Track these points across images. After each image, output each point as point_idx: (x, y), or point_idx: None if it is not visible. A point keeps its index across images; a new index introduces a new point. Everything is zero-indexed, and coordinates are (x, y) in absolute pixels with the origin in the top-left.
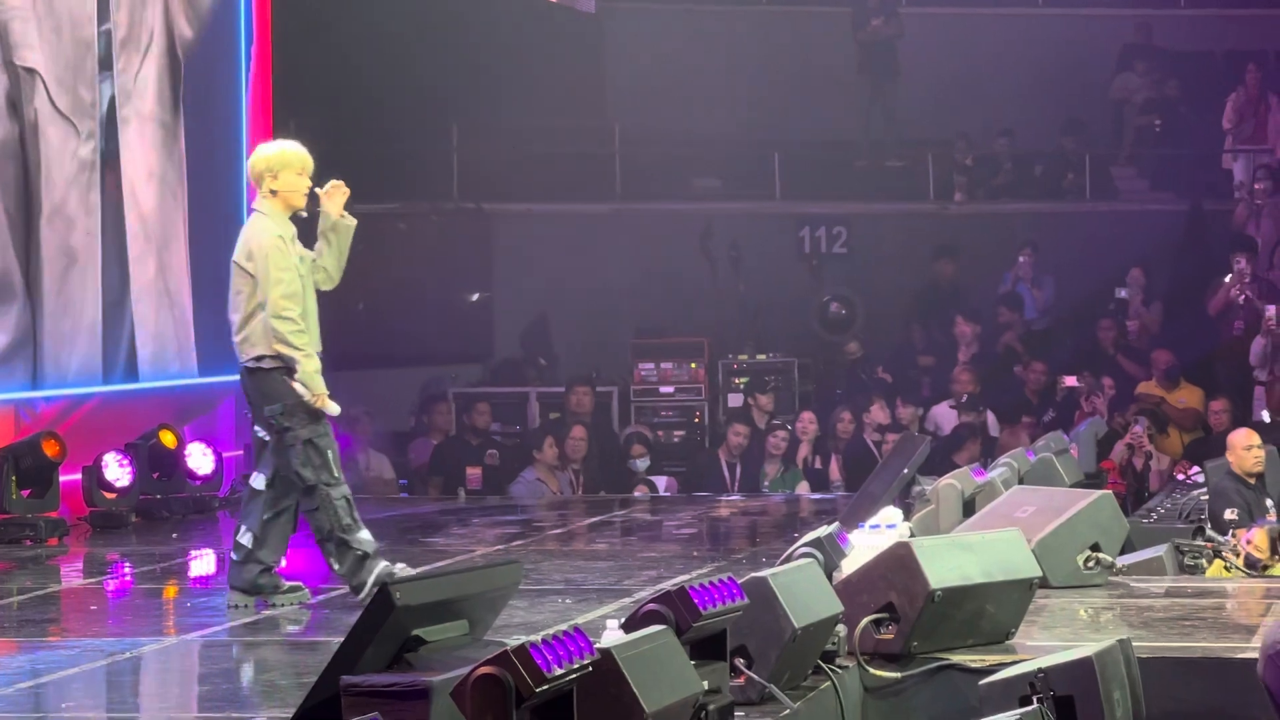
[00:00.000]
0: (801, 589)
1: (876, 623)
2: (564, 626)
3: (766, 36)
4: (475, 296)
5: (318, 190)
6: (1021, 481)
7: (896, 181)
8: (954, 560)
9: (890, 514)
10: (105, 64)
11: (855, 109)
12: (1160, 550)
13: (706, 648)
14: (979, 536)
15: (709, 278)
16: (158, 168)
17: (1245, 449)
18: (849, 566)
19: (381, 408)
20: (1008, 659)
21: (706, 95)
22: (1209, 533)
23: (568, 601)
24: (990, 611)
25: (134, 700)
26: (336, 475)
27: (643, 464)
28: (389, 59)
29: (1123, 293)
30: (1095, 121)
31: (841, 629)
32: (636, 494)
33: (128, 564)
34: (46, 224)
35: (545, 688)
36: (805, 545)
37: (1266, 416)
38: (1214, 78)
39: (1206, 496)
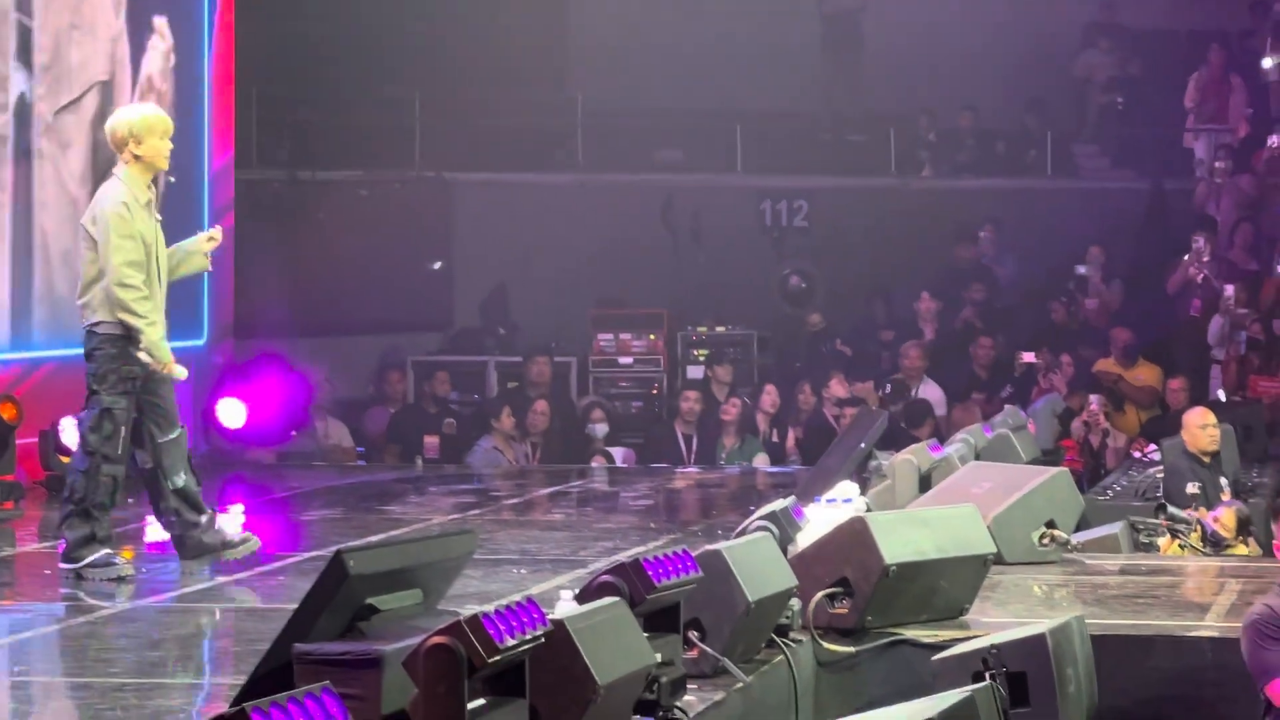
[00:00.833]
0: (756, 562)
1: (831, 597)
2: (517, 597)
3: (730, 8)
4: (436, 265)
5: (206, 233)
6: (978, 457)
7: (859, 156)
8: (909, 535)
9: (847, 488)
10: (22, 54)
11: (818, 82)
12: (1116, 528)
13: (660, 620)
14: (934, 512)
15: (670, 249)
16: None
17: (1200, 428)
18: (804, 540)
19: (341, 375)
20: (961, 635)
21: (669, 67)
22: (1171, 510)
23: (522, 572)
24: (944, 587)
25: (88, 665)
26: (119, 453)
27: (601, 430)
28: (352, 28)
29: (1082, 270)
30: (1058, 99)
31: (796, 603)
32: (593, 465)
33: None
34: None
35: (497, 658)
36: (761, 518)
37: (1223, 395)
38: (1177, 57)
39: (1162, 475)
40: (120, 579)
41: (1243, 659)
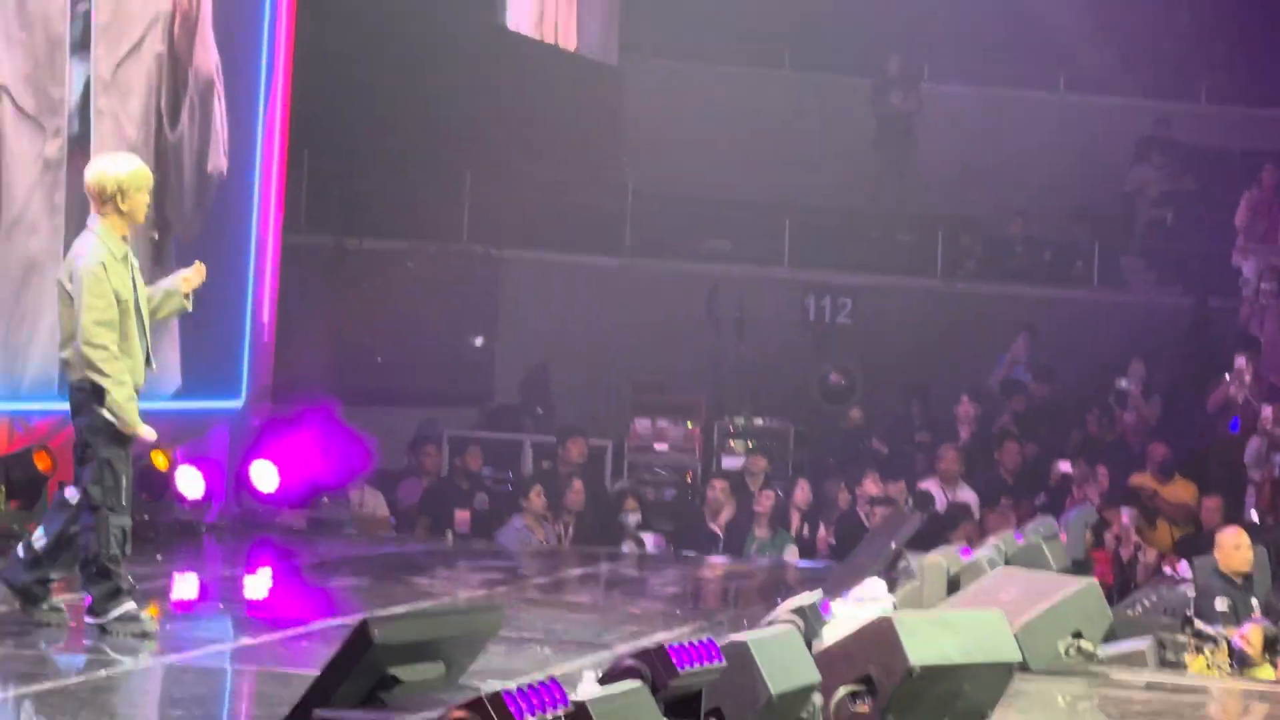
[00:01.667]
0: (781, 655)
1: (853, 695)
2: (540, 676)
3: (786, 101)
4: (478, 340)
5: (183, 273)
6: (1008, 563)
7: (906, 255)
8: (935, 638)
9: (875, 586)
10: (80, 47)
11: (868, 180)
12: (1143, 643)
13: (681, 707)
14: (962, 615)
15: (712, 338)
16: None
17: (1234, 547)
18: (830, 636)
19: (379, 445)
20: None
21: (722, 156)
22: (1198, 625)
23: (546, 651)
24: (968, 691)
25: None
26: (123, 503)
27: (634, 519)
28: (408, 97)
29: (1124, 383)
30: (1107, 210)
31: (818, 698)
32: (624, 549)
33: None
34: (6, 234)
35: None
36: (788, 611)
37: (1256, 517)
38: (1229, 175)
39: (1193, 593)
40: (144, 634)
41: None
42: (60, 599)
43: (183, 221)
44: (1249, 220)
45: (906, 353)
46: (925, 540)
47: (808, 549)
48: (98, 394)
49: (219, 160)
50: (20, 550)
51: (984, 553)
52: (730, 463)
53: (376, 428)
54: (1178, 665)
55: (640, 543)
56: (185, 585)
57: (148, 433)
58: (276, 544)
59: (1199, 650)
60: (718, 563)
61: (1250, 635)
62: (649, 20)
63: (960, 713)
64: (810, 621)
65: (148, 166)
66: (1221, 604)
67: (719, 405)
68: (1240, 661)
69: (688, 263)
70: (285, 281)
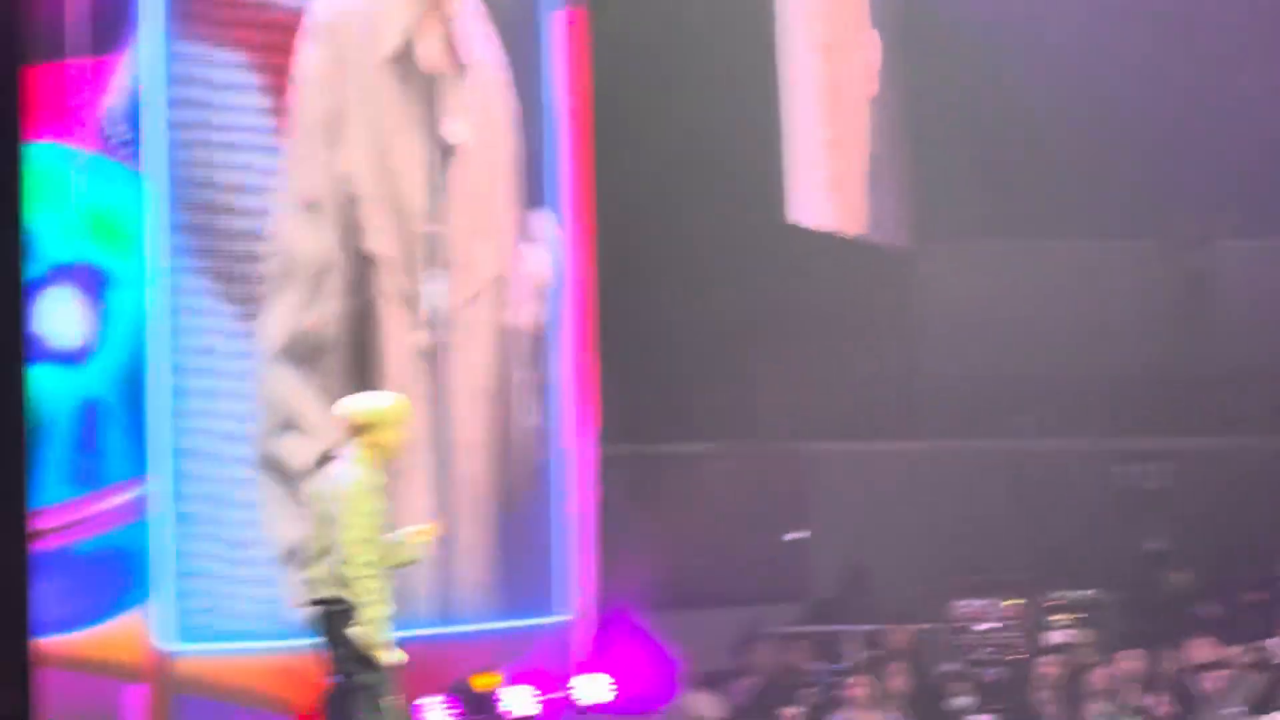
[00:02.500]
0: None
1: None
2: None
3: (1081, 271)
4: (791, 536)
5: (418, 527)
6: None
7: (1218, 414)
8: None
9: None
10: (436, 258)
11: (1172, 342)
12: None
13: None
14: None
15: (1024, 515)
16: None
17: None
18: None
19: (705, 648)
20: None
21: (1019, 332)
22: None
23: None
24: None
25: None
26: None
27: (964, 701)
28: (701, 299)
29: None
30: None
31: None
32: None
33: None
34: None
35: None
36: None
37: None
38: None
39: None
40: None
41: None
42: None
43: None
44: None
45: (1230, 513)
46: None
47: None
48: (349, 613)
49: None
50: None
51: None
52: (1057, 637)
53: (700, 630)
54: None
55: None
56: None
57: (397, 656)
58: None
59: None
60: None
61: None
62: (937, 201)
63: None
64: None
65: (406, 401)
66: None
67: (1039, 580)
68: None
69: (992, 440)
70: (602, 493)
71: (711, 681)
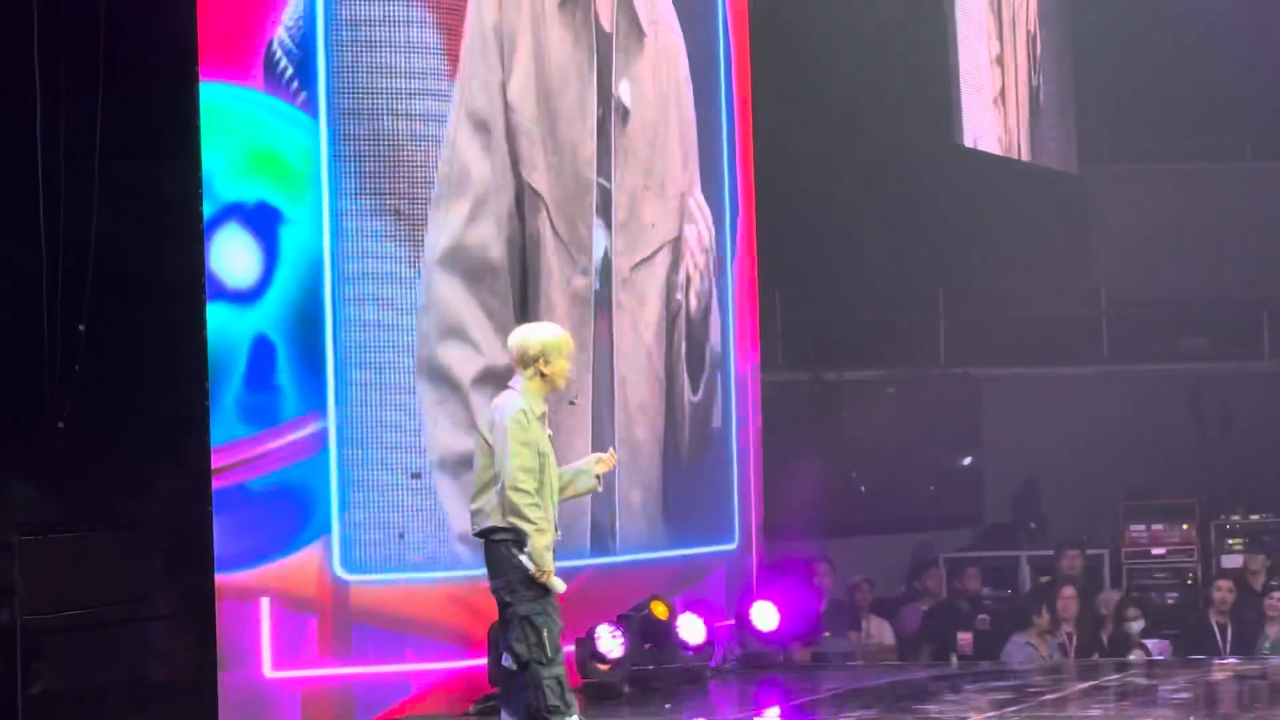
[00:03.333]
0: None
1: None
2: None
3: (1254, 193)
4: (965, 461)
5: (601, 455)
6: None
7: None
8: None
9: None
10: (601, 212)
11: None
12: None
13: None
14: None
15: (1198, 438)
16: (645, 368)
17: None
18: None
19: (876, 573)
20: None
21: (1193, 254)
22: None
23: None
24: None
25: None
26: (551, 655)
27: (1137, 627)
28: (872, 225)
29: None
30: None
31: None
32: (1130, 658)
33: None
34: None
35: None
36: None
37: None
38: None
39: None
40: None
41: None
42: None
43: (683, 487)
44: None
45: None
46: None
47: None
48: (517, 541)
49: (719, 416)
50: None
51: None
52: (1230, 562)
53: (871, 556)
54: None
55: (1146, 650)
56: None
57: (560, 585)
58: (782, 682)
59: None
60: (1228, 664)
61: None
62: (1106, 126)
63: None
64: None
65: (569, 335)
66: None
67: (1213, 504)
68: None
69: (1167, 363)
70: (768, 419)
71: (884, 607)
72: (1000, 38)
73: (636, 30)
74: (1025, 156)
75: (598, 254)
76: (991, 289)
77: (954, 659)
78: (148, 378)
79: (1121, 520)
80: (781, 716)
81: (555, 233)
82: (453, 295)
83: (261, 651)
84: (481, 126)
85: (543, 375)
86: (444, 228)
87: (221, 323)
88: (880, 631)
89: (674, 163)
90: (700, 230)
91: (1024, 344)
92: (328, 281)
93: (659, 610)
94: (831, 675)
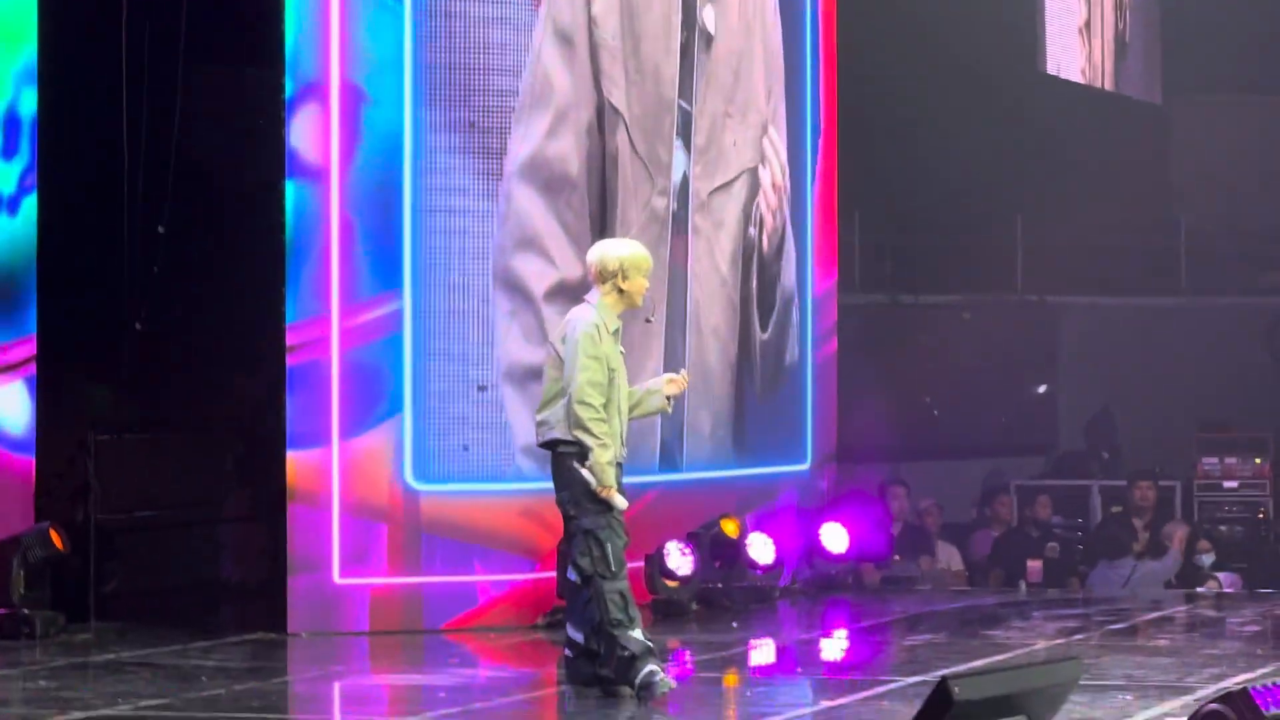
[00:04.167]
0: None
1: None
2: None
3: None
4: (1040, 389)
5: (673, 375)
6: None
7: None
8: None
9: None
10: (681, 133)
11: None
12: None
13: None
14: None
15: (1275, 372)
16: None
17: None
18: None
19: (947, 499)
20: None
21: (1273, 188)
22: None
23: (1128, 698)
24: None
25: None
26: (614, 569)
27: (1208, 559)
28: (953, 149)
29: None
30: None
31: None
32: (1200, 590)
33: (688, 652)
34: None
35: None
36: None
37: None
38: None
39: None
40: (665, 694)
41: None
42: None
43: (754, 409)
44: None
45: None
46: None
47: None
48: (581, 454)
49: (794, 352)
50: (567, 651)
51: None
52: None
53: (943, 481)
54: None
55: (1217, 582)
56: (763, 651)
57: (621, 502)
58: (850, 604)
59: None
60: None
61: None
62: (1191, 57)
63: None
64: None
65: (648, 253)
66: None
67: None
68: None
69: (1245, 297)
70: (843, 342)
71: (954, 533)
72: None
73: None
74: (1109, 87)
75: (676, 176)
76: (1071, 217)
77: (1023, 586)
78: (227, 281)
79: (1194, 452)
80: (849, 638)
81: (634, 151)
82: (531, 207)
83: (332, 557)
84: (565, 39)
85: (620, 291)
86: (525, 139)
87: (300, 200)
88: (949, 557)
89: (757, 93)
90: (774, 170)
91: (1102, 273)
92: (407, 165)
93: (729, 529)
94: (900, 598)
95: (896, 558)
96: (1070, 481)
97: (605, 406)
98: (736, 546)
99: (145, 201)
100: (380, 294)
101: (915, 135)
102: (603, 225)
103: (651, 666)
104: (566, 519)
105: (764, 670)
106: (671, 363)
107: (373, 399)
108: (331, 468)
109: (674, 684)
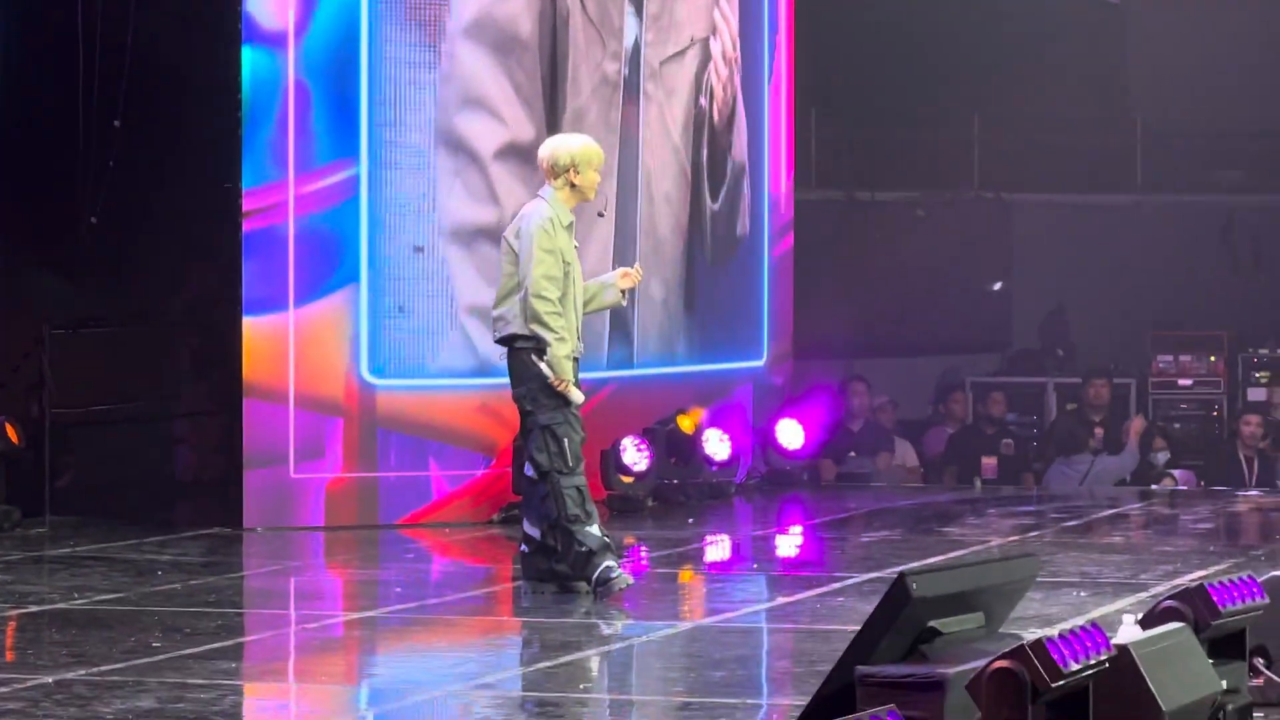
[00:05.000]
0: None
1: None
2: (1080, 621)
3: None
4: (995, 286)
5: (626, 270)
6: None
7: None
8: None
9: None
10: (634, 1)
11: None
12: None
13: (1224, 647)
14: None
15: (1230, 271)
16: (671, 162)
17: None
18: None
19: (902, 396)
20: None
21: (1230, 87)
22: None
23: (1083, 595)
24: None
25: (648, 683)
26: (571, 464)
27: (1162, 457)
28: (909, 47)
29: None
30: None
31: None
32: (1154, 487)
33: (644, 548)
34: (570, 126)
35: (1062, 683)
36: None
37: None
38: None
39: None
40: (622, 590)
41: None
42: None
43: (707, 271)
44: None
45: None
46: None
47: None
48: (538, 349)
49: (745, 224)
50: (523, 547)
51: None
52: (1256, 395)
53: (898, 378)
54: None
55: (1172, 479)
56: (718, 547)
57: (578, 396)
58: (805, 501)
59: None
60: (1251, 497)
61: None
62: None
63: None
64: None
65: (600, 147)
66: None
67: (1241, 337)
68: None
69: (1201, 195)
70: (799, 238)
71: (909, 430)
72: None
73: None
74: None
75: (628, 41)
76: (1027, 114)
77: (977, 483)
78: (182, 161)
79: (1149, 350)
80: (804, 534)
81: (586, 13)
82: (479, 66)
83: (288, 452)
84: None
85: (572, 186)
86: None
87: (257, 66)
88: (904, 453)
89: None
90: (725, 42)
91: (1058, 171)
92: (364, 30)
93: (685, 425)
94: (855, 495)
95: (852, 454)
96: (1025, 379)
97: (561, 300)
98: (692, 442)
99: (100, 95)
100: (338, 160)
101: (872, 32)
102: (554, 87)
103: (609, 562)
104: (523, 414)
105: (720, 566)
106: (622, 253)
107: (329, 264)
108: (288, 348)
109: (631, 580)
